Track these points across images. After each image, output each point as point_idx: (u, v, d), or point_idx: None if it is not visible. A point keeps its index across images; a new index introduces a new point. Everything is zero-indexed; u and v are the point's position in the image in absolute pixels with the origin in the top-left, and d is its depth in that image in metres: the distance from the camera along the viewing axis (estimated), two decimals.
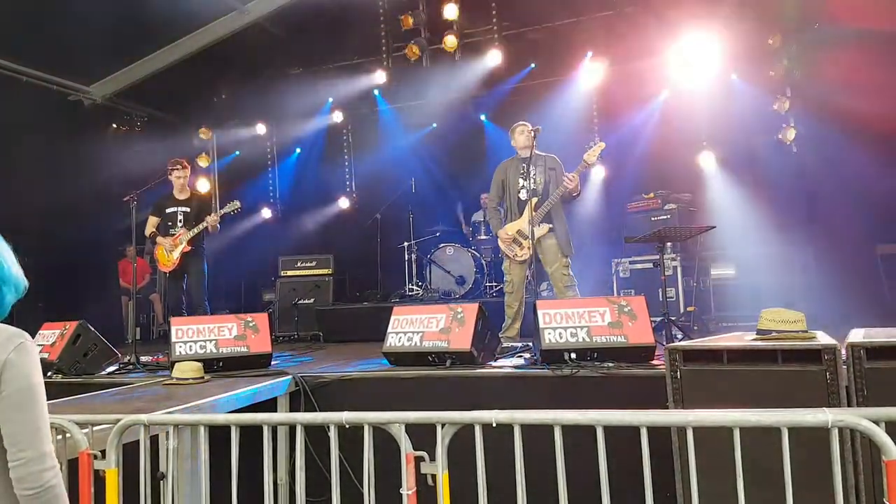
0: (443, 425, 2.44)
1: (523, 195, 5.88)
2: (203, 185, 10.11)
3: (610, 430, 2.27)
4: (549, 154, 6.07)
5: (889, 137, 7.48)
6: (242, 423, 2.71)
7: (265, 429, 2.67)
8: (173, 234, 6.53)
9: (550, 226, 5.80)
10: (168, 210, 6.63)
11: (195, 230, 6.44)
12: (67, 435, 2.76)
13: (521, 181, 5.90)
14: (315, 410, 4.48)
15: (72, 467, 2.76)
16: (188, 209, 6.60)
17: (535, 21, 9.49)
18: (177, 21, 8.88)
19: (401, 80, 9.77)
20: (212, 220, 6.44)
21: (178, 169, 6.63)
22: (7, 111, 8.16)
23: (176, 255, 6.47)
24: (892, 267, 7.72)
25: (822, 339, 3.31)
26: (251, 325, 5.36)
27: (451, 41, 8.85)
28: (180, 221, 6.57)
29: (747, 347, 3.32)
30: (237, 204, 6.55)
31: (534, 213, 5.68)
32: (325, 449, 2.61)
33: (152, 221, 6.69)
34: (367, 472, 2.53)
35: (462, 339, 4.66)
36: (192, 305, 6.61)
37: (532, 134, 5.73)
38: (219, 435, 2.84)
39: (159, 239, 6.57)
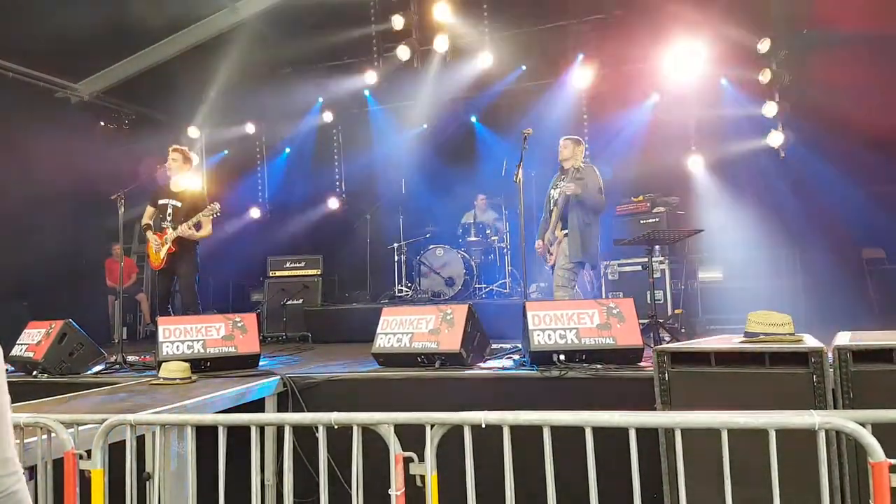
0: (432, 426, 2.44)
1: (551, 205, 6.10)
2: (195, 183, 10.00)
3: (598, 432, 2.28)
4: (589, 165, 6.09)
5: (876, 142, 7.55)
6: (230, 423, 2.70)
7: (253, 429, 2.66)
8: (164, 228, 6.30)
9: (566, 231, 5.94)
10: (160, 201, 6.41)
11: (174, 233, 6.15)
12: (53, 434, 2.73)
13: (552, 192, 6.14)
14: (303, 411, 4.46)
15: (57, 467, 2.73)
16: (179, 204, 6.32)
17: (526, 23, 9.51)
18: (166, 19, 8.84)
19: (391, 81, 9.75)
20: (183, 229, 6.14)
21: (172, 151, 6.43)
22: None
23: (163, 254, 6.25)
24: (878, 271, 7.80)
25: (809, 342, 3.34)
26: (239, 325, 5.33)
27: (441, 42, 8.84)
28: (169, 215, 6.30)
29: (735, 350, 3.34)
30: (216, 207, 6.18)
31: (552, 222, 6.01)
32: (314, 450, 2.60)
33: (148, 212, 6.51)
34: (356, 473, 2.52)
35: (451, 341, 4.66)
36: (183, 306, 6.42)
37: (568, 146, 5.99)
38: (206, 435, 2.82)
39: (148, 234, 6.38)
